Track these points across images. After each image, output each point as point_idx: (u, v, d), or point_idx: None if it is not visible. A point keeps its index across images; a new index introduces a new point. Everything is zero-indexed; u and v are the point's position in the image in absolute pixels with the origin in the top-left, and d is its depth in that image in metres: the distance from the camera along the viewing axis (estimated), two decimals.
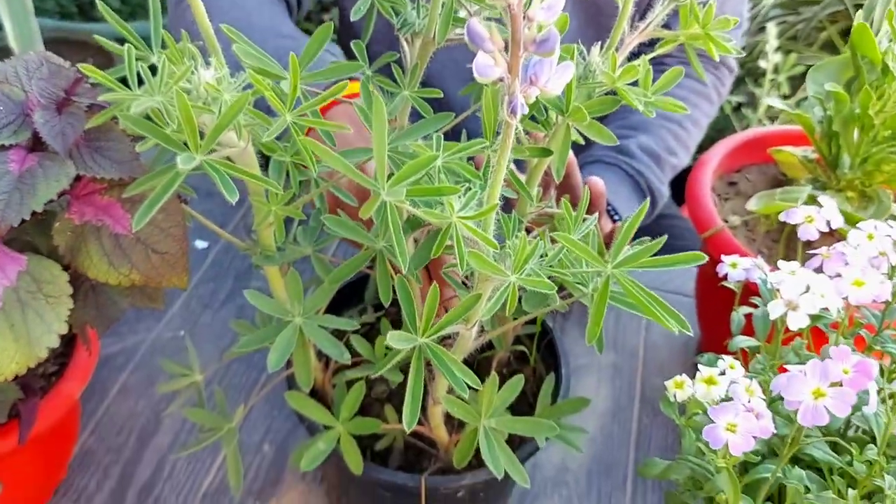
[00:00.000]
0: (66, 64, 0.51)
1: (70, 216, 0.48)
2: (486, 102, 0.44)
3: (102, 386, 0.82)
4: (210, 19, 0.45)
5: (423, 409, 0.59)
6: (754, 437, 0.39)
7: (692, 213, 0.77)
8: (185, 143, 0.41)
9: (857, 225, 0.50)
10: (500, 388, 0.52)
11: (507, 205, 0.52)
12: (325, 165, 0.55)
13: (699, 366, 0.45)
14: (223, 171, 0.41)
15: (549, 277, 0.44)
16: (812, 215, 0.51)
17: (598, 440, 0.81)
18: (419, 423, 0.60)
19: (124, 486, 0.74)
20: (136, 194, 0.47)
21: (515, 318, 0.57)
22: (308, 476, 0.76)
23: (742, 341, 0.50)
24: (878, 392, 0.43)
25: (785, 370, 0.43)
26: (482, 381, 0.52)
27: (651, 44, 0.56)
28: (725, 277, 0.55)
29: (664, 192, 1.08)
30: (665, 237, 0.42)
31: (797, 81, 1.68)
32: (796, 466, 0.43)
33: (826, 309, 0.44)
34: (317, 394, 0.64)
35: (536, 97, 0.38)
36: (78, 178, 0.50)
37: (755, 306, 0.56)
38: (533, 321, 0.68)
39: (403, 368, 0.61)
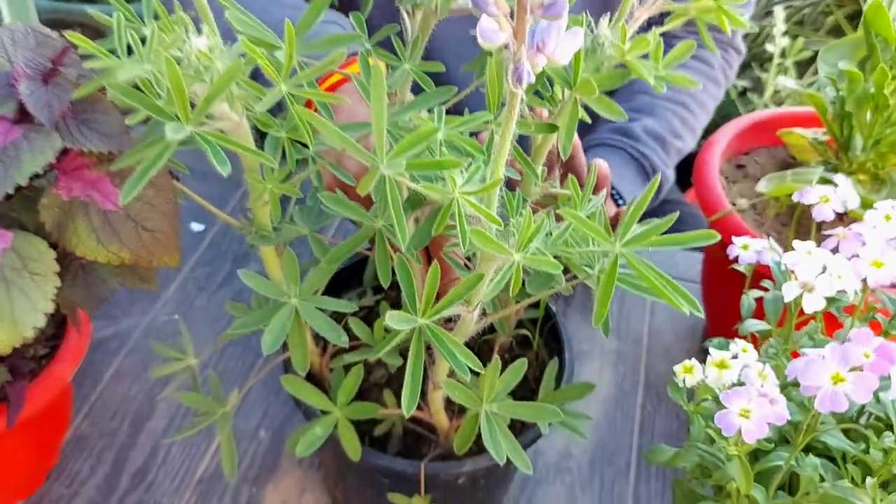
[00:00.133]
0: (54, 34, 0.49)
1: (57, 191, 0.47)
2: (490, 74, 0.42)
3: (96, 370, 0.80)
4: None
5: (423, 393, 0.57)
6: (768, 424, 0.37)
7: (699, 196, 0.75)
8: (177, 116, 0.39)
9: (874, 206, 0.48)
10: (502, 372, 0.51)
11: (510, 186, 0.50)
12: (323, 142, 0.54)
13: (710, 349, 0.43)
14: (215, 143, 0.39)
15: (554, 257, 0.42)
16: (828, 195, 0.50)
17: (601, 427, 0.80)
18: (418, 408, 0.58)
19: (118, 471, 0.73)
20: (126, 169, 0.45)
21: (518, 302, 0.55)
22: (305, 462, 0.75)
23: (753, 325, 0.49)
24: None
25: (798, 355, 0.41)
26: (483, 365, 0.50)
27: (661, 19, 0.54)
28: (735, 260, 0.54)
29: (670, 175, 1.06)
30: (676, 214, 0.40)
31: (803, 67, 1.66)
32: (810, 454, 0.42)
33: (843, 291, 0.42)
34: (314, 378, 0.62)
35: (543, 68, 0.36)
36: (66, 153, 0.48)
37: (765, 290, 0.54)
38: (536, 305, 0.66)
39: (403, 352, 0.60)
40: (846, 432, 0.44)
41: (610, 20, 0.49)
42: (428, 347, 0.59)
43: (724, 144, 0.80)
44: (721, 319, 0.83)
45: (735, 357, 0.42)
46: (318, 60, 0.45)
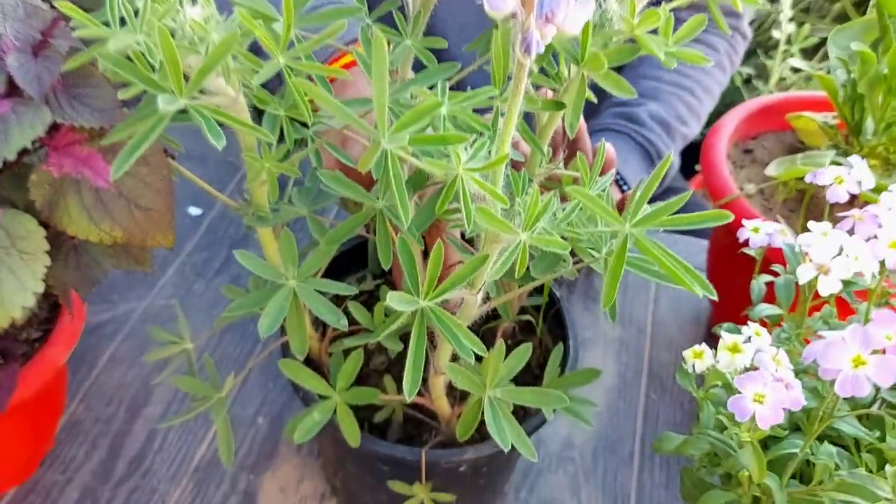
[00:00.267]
0: (44, 5, 0.48)
1: (48, 168, 0.45)
2: (496, 47, 0.41)
3: (92, 355, 0.79)
4: None
5: (424, 379, 0.56)
6: (784, 409, 0.36)
7: (707, 181, 0.74)
8: (171, 91, 0.38)
9: (890, 187, 0.47)
10: (505, 357, 0.49)
11: (515, 168, 0.49)
12: (323, 122, 0.52)
13: (722, 333, 0.42)
14: (209, 116, 0.38)
15: (561, 238, 0.41)
16: (842, 176, 0.48)
17: (605, 416, 0.78)
18: (419, 394, 0.57)
19: (113, 457, 0.72)
20: (119, 145, 0.44)
21: (522, 286, 0.54)
22: (304, 450, 0.73)
23: (764, 309, 0.47)
24: None
25: (810, 341, 0.40)
26: (486, 351, 0.49)
27: None
28: (745, 244, 0.52)
29: (675, 162, 1.05)
30: (690, 192, 0.39)
31: (809, 55, 1.64)
32: (825, 442, 0.41)
33: (859, 273, 0.41)
34: (312, 364, 0.61)
35: (551, 40, 0.35)
36: (57, 129, 0.46)
37: (776, 274, 0.53)
38: (539, 291, 0.65)
39: (403, 338, 0.58)
40: (859, 419, 0.43)
41: None
42: (429, 333, 0.58)
43: (731, 128, 0.79)
44: (727, 308, 0.82)
45: (748, 341, 0.41)
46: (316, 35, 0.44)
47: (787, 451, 0.40)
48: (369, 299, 0.69)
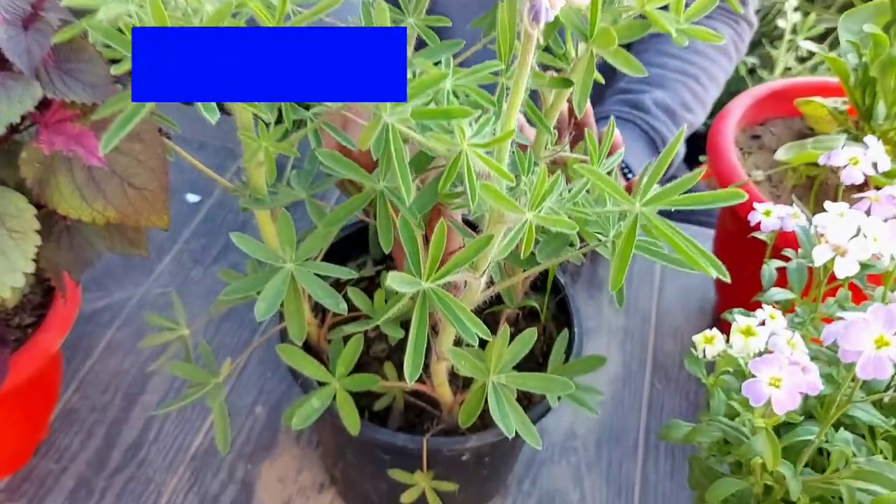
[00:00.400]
0: None
1: (38, 145, 0.44)
2: (502, 18, 0.39)
3: (87, 342, 0.78)
4: None
5: (426, 366, 0.55)
6: (800, 394, 0.34)
7: (714, 166, 0.72)
8: None
9: None
10: (510, 342, 0.48)
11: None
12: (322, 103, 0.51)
13: (736, 315, 0.40)
14: None
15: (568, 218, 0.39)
16: (857, 157, 0.47)
17: (608, 406, 0.77)
18: (421, 381, 0.56)
19: (109, 446, 0.70)
20: (111, 121, 0.42)
21: (526, 270, 0.53)
22: (303, 439, 0.72)
23: (777, 293, 0.46)
24: None
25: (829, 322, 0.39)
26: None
27: None
28: (756, 228, 0.51)
29: (680, 149, 1.03)
30: (703, 168, 0.37)
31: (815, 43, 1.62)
32: (841, 428, 0.39)
33: (877, 255, 0.40)
34: (312, 352, 0.59)
35: (559, 12, 0.33)
36: (48, 105, 0.45)
37: (787, 259, 0.52)
38: (544, 276, 0.64)
39: (404, 325, 0.57)
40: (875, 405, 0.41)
41: None
42: (431, 319, 0.56)
43: (739, 114, 0.77)
44: (734, 297, 0.80)
45: (762, 324, 0.39)
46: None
47: (801, 438, 0.39)
48: (369, 286, 0.68)
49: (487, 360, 0.46)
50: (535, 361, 0.62)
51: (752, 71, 1.62)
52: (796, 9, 1.51)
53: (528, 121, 0.67)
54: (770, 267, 0.51)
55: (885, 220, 0.40)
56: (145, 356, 0.77)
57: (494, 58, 0.44)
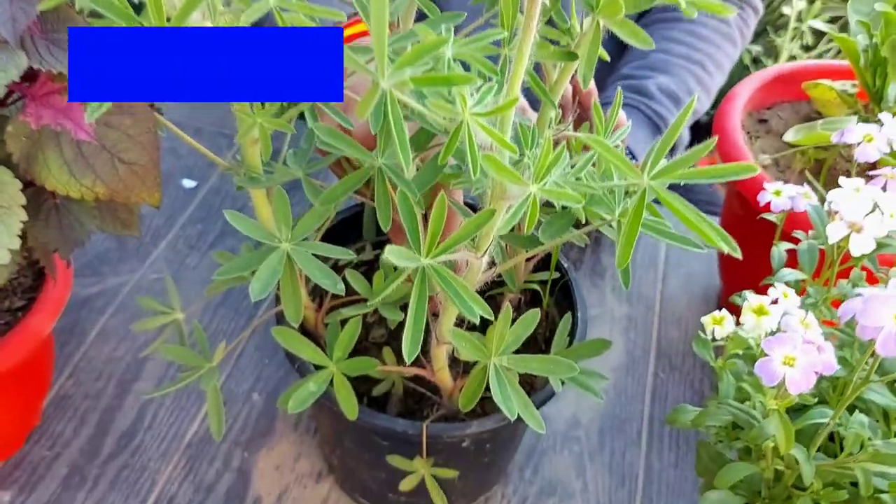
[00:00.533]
0: None
1: (25, 119, 0.42)
2: None
3: (80, 329, 0.76)
4: None
5: (426, 351, 0.54)
6: (816, 374, 0.33)
7: (720, 149, 0.71)
8: None
9: None
10: (512, 324, 0.47)
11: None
12: None
13: (747, 294, 0.39)
14: None
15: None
16: (871, 134, 0.45)
17: (612, 395, 0.76)
18: (420, 365, 0.54)
19: (102, 433, 0.69)
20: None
21: (528, 250, 0.51)
22: (300, 427, 0.71)
23: (787, 274, 0.45)
24: None
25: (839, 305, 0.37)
26: (488, 322, 0.46)
27: None
28: (766, 208, 0.49)
29: (684, 135, 1.02)
30: (715, 138, 0.36)
31: (819, 34, 1.60)
32: (856, 411, 0.38)
33: (892, 234, 0.38)
34: (309, 337, 0.58)
35: None
36: (35, 77, 0.43)
37: (796, 241, 0.50)
38: (546, 262, 0.62)
39: (404, 308, 0.56)
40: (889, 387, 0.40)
41: None
42: (431, 303, 0.55)
43: (745, 97, 0.76)
44: (739, 284, 0.79)
45: (775, 303, 0.38)
46: None
47: (815, 422, 0.37)
48: (368, 271, 0.67)
49: (489, 343, 0.45)
50: (537, 347, 0.61)
51: (756, 60, 1.60)
52: None
53: (532, 102, 0.65)
54: (780, 249, 0.49)
55: None
56: (139, 343, 0.76)
57: (497, 43, 0.43)
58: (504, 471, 0.67)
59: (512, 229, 0.56)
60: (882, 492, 0.37)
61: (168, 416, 0.71)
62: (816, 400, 0.38)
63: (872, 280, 0.49)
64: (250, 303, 0.80)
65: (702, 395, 0.77)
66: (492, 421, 0.52)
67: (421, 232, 0.40)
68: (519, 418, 0.53)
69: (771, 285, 0.42)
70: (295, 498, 0.66)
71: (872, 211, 0.38)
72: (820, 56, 1.48)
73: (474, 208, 0.50)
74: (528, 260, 0.61)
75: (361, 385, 0.58)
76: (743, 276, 0.75)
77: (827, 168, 0.69)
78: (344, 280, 0.51)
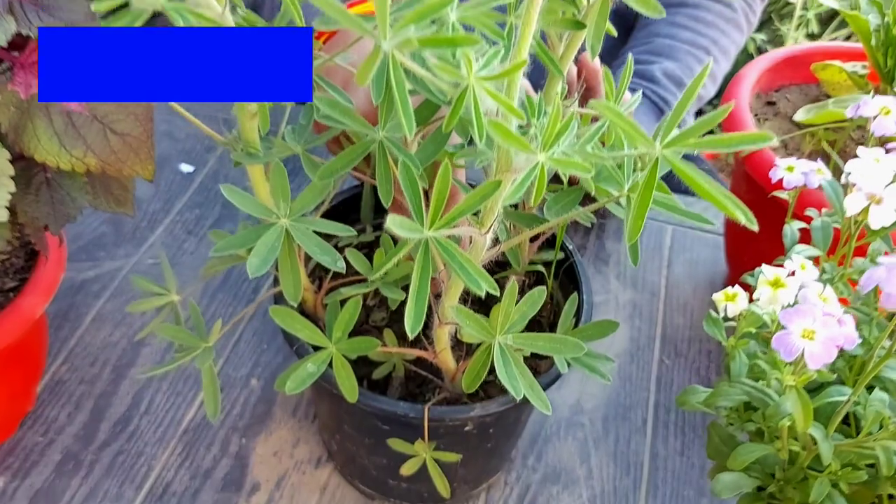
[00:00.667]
0: None
1: (14, 87, 0.41)
2: None
3: (76, 313, 0.75)
4: None
5: (427, 333, 0.52)
6: (836, 347, 0.32)
7: (727, 130, 0.69)
8: None
9: None
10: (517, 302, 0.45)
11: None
12: (321, 55, 0.48)
13: (763, 267, 0.38)
14: (188, 15, 0.33)
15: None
16: (888, 107, 0.44)
17: (616, 381, 0.75)
18: (423, 347, 0.53)
19: (97, 419, 0.68)
20: None
21: (533, 228, 0.50)
22: (299, 413, 0.70)
23: (801, 250, 0.43)
24: None
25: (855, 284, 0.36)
26: (491, 305, 0.45)
27: None
28: (778, 185, 0.48)
29: (689, 121, 1.00)
30: (732, 103, 0.34)
31: (825, 22, 1.59)
32: (875, 389, 0.37)
33: None
34: (308, 319, 0.57)
35: None
36: (24, 44, 0.42)
37: (808, 220, 0.49)
38: (550, 244, 0.61)
39: (405, 289, 0.54)
40: None
41: None
42: (433, 284, 0.53)
43: (753, 79, 0.74)
44: (747, 269, 0.78)
45: (791, 275, 0.37)
46: None
47: (832, 400, 0.36)
48: (369, 253, 0.65)
49: (493, 321, 0.44)
50: (541, 331, 0.59)
51: (760, 49, 1.58)
52: None
53: (535, 87, 0.64)
54: (792, 227, 0.48)
55: None
56: (135, 328, 0.74)
57: (503, 10, 0.41)
58: (507, 457, 0.66)
59: (516, 207, 0.56)
60: None
61: (164, 401, 0.70)
62: (836, 375, 0.37)
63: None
64: (249, 287, 0.79)
65: (708, 382, 0.76)
66: (496, 404, 0.51)
67: (423, 205, 0.38)
68: (524, 401, 0.51)
69: (781, 266, 0.40)
70: (294, 484, 0.65)
71: (893, 182, 0.37)
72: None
73: None
74: (532, 241, 0.60)
75: (362, 369, 0.57)
76: (751, 261, 0.73)
77: (837, 151, 0.68)
78: (344, 261, 0.50)
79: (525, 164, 0.36)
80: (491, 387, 0.57)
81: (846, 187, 0.40)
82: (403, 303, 0.51)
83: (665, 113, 0.95)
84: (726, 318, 0.42)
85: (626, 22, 1.08)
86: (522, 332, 0.46)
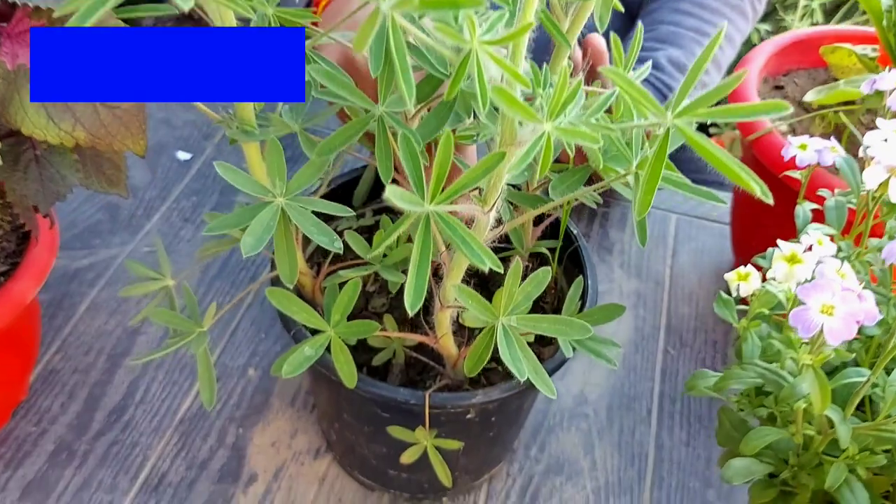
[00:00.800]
0: None
1: (0, 58, 0.39)
2: None
3: (70, 302, 0.74)
4: None
5: (428, 317, 0.51)
6: (857, 323, 0.30)
7: None
8: None
9: None
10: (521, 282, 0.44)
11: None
12: (317, 31, 0.47)
13: (779, 242, 0.36)
14: None
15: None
16: None
17: (620, 371, 0.73)
18: (423, 333, 0.52)
19: (91, 408, 0.66)
20: None
21: (537, 210, 0.48)
22: (298, 402, 0.68)
23: (816, 229, 0.42)
24: None
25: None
26: (492, 292, 0.43)
27: None
28: (791, 164, 0.46)
29: None
30: (745, 70, 0.33)
31: (829, 13, 1.57)
32: (894, 371, 0.35)
33: None
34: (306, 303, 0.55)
35: None
36: (11, 13, 0.40)
37: (821, 201, 0.47)
38: (554, 229, 0.59)
39: (405, 272, 0.53)
40: None
41: None
42: (435, 271, 0.52)
43: (761, 62, 0.73)
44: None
45: (809, 250, 0.35)
46: None
47: (850, 381, 0.35)
48: (369, 238, 0.64)
49: (497, 302, 0.42)
50: None
51: (764, 41, 1.57)
52: None
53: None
54: (804, 208, 0.46)
55: None
56: (130, 316, 0.73)
57: None
58: (510, 447, 0.65)
59: (519, 188, 0.54)
60: None
61: (160, 390, 0.68)
62: (854, 354, 0.36)
63: None
64: (247, 276, 0.78)
65: (715, 370, 0.75)
66: (498, 391, 0.49)
67: (424, 180, 0.37)
68: (527, 388, 0.50)
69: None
70: (292, 475, 0.63)
71: None
72: None
73: None
74: (535, 226, 0.59)
75: (361, 355, 0.55)
76: (758, 249, 0.72)
77: (847, 134, 0.66)
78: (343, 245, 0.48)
79: (530, 136, 0.35)
80: (493, 373, 0.55)
81: (862, 162, 0.38)
82: (403, 288, 0.49)
83: (669, 99, 0.93)
84: (738, 301, 0.41)
85: (630, 10, 1.06)
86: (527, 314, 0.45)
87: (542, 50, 0.44)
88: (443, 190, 0.35)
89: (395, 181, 0.45)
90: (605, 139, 0.40)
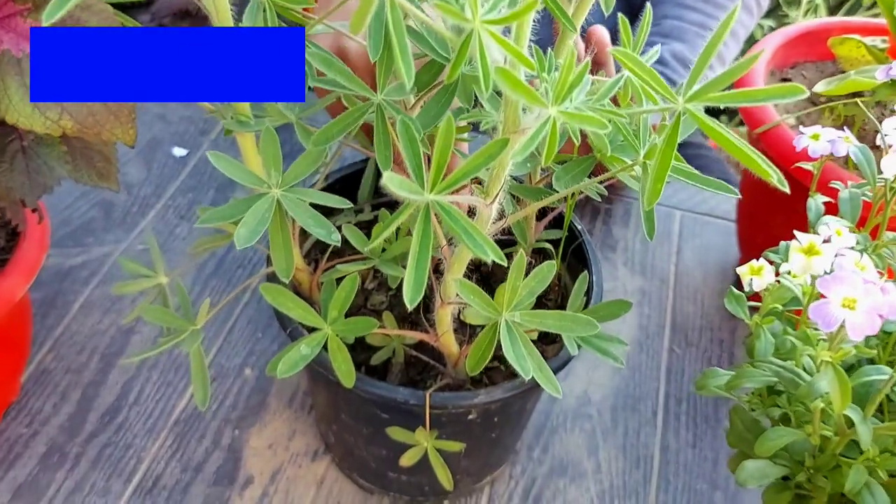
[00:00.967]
0: None
1: None
2: None
3: (63, 300, 0.72)
4: None
5: (429, 315, 0.50)
6: (881, 317, 0.29)
7: (743, 109, 0.66)
8: None
9: None
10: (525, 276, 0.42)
11: None
12: (312, 18, 0.45)
13: (797, 234, 0.35)
14: None
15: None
16: None
17: (625, 371, 0.72)
18: (423, 331, 0.50)
19: (84, 409, 0.65)
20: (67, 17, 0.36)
21: (540, 199, 0.47)
22: (295, 403, 0.67)
23: (830, 220, 0.40)
24: None
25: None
26: (494, 288, 0.42)
27: None
28: (801, 156, 0.45)
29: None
30: (762, 51, 0.31)
31: (833, 9, 1.56)
32: None
33: None
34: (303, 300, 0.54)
35: None
36: None
37: (834, 194, 0.46)
38: (558, 224, 0.58)
39: (405, 266, 0.51)
40: None
41: None
42: (436, 268, 0.50)
43: (768, 55, 0.71)
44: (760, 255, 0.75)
45: (827, 242, 0.34)
46: None
47: (870, 379, 0.33)
48: (368, 234, 0.62)
49: (500, 298, 0.41)
50: None
51: None
52: None
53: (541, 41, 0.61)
54: (817, 201, 0.45)
55: None
56: (124, 315, 0.71)
57: None
58: (512, 449, 0.63)
59: (521, 182, 0.53)
60: None
61: (154, 391, 0.67)
62: (876, 351, 0.34)
63: None
64: (243, 274, 0.76)
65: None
66: (500, 390, 0.48)
67: (424, 168, 0.35)
68: (530, 388, 0.48)
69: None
70: (289, 478, 0.62)
71: None
72: None
73: None
74: (538, 221, 0.57)
75: (359, 354, 0.54)
76: (765, 246, 0.71)
77: (857, 128, 0.65)
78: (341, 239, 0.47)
79: (535, 122, 0.33)
80: (496, 373, 0.54)
81: (878, 150, 0.37)
82: (402, 282, 0.48)
83: None
84: (748, 296, 0.39)
85: (633, 5, 1.05)
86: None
87: (542, 49, 0.43)
88: (443, 178, 0.33)
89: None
90: (612, 127, 0.39)
